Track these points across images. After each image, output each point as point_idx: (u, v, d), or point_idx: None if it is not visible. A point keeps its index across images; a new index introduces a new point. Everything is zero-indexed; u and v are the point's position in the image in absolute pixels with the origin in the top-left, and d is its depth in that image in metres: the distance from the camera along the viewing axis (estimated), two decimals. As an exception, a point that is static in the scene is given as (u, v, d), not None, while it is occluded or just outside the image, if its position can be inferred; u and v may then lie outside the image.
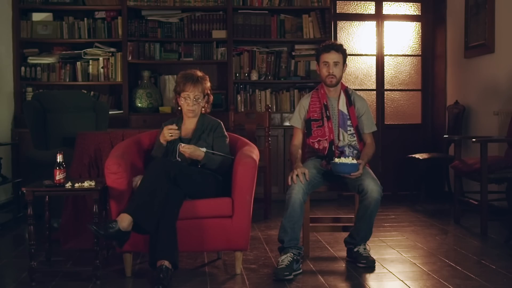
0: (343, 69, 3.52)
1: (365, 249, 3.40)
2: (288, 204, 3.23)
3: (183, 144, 3.22)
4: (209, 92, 3.45)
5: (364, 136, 3.55)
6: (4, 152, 5.00)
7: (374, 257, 3.38)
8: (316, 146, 3.49)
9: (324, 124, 3.49)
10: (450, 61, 5.96)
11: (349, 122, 3.51)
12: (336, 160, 3.31)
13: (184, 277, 3.14)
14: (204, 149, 3.26)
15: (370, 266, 3.30)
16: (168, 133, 3.23)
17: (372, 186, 3.26)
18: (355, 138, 3.50)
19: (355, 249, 3.40)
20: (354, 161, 3.28)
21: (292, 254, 3.18)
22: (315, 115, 3.52)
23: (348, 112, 3.52)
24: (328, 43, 3.54)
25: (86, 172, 3.85)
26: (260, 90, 5.92)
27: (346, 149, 3.48)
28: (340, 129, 3.50)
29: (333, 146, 3.46)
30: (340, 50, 3.50)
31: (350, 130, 3.50)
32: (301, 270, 3.23)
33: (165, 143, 3.28)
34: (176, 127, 3.25)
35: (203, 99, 3.41)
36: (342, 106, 3.52)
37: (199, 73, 3.41)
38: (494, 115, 4.86)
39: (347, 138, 3.49)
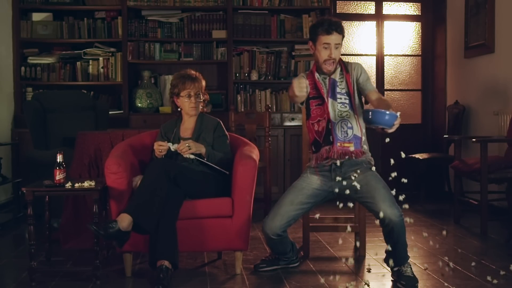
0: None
1: (407, 268, 3.02)
2: (263, 235, 3.22)
3: (182, 142, 3.21)
4: (204, 91, 3.47)
5: (369, 97, 3.10)
6: (4, 152, 5.00)
7: (413, 275, 3.00)
8: (316, 127, 3.13)
9: (324, 102, 3.12)
10: (450, 61, 5.96)
11: (339, 89, 3.11)
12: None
13: (184, 277, 3.15)
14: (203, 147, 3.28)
15: (411, 286, 2.95)
16: (158, 149, 3.22)
17: (389, 210, 2.91)
18: (347, 109, 3.09)
19: (395, 268, 3.04)
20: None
21: (277, 256, 3.31)
22: (314, 93, 3.16)
23: (341, 78, 3.14)
24: (327, 23, 3.07)
25: (86, 172, 3.85)
26: (260, 90, 5.92)
27: (337, 128, 3.06)
28: (329, 99, 3.11)
29: (330, 124, 3.08)
30: (341, 30, 3.10)
31: (340, 98, 3.10)
32: (295, 265, 3.33)
33: (160, 157, 3.28)
34: (165, 143, 3.23)
35: (202, 96, 3.42)
36: (335, 74, 3.15)
37: (194, 72, 3.44)
38: (494, 115, 4.86)
39: (337, 108, 3.09)
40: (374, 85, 6.12)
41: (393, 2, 6.28)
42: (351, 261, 3.40)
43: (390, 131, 2.78)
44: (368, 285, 2.99)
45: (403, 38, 6.32)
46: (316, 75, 3.18)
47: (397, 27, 6.30)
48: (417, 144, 6.19)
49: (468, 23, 5.43)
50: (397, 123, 2.75)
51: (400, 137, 6.15)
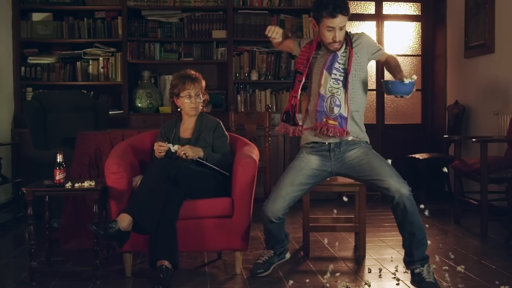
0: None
1: (429, 272, 2.88)
2: (262, 220, 3.16)
3: (179, 149, 3.20)
4: (204, 91, 3.47)
5: (381, 58, 3.15)
6: (4, 152, 5.00)
7: (435, 280, 2.87)
8: (293, 101, 3.13)
9: (302, 81, 3.11)
10: (450, 61, 5.96)
11: (337, 64, 3.02)
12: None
13: (184, 277, 3.15)
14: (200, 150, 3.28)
15: None
16: (158, 150, 3.22)
17: (398, 185, 2.84)
18: (339, 86, 3.02)
19: (417, 270, 2.89)
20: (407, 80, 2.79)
21: (273, 251, 3.27)
22: (301, 68, 3.13)
23: (344, 53, 3.05)
24: (332, 5, 2.92)
25: (86, 172, 3.85)
26: (260, 90, 5.92)
27: (325, 103, 3.00)
28: (324, 71, 3.03)
29: (296, 107, 3.10)
30: (346, 12, 2.96)
31: (335, 74, 3.02)
32: (286, 258, 3.33)
33: (159, 157, 3.27)
34: (166, 144, 3.23)
35: (202, 96, 3.42)
36: (340, 49, 3.06)
37: (194, 72, 3.44)
38: (494, 115, 4.86)
39: (329, 83, 3.03)
40: (374, 70, 6.18)
41: (393, 2, 6.28)
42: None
43: (407, 97, 2.88)
44: (369, 285, 2.99)
45: (403, 38, 6.32)
46: (314, 53, 3.12)
47: (397, 27, 6.31)
48: (417, 144, 6.19)
49: (468, 23, 5.43)
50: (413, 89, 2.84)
51: (400, 137, 6.22)
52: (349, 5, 3.00)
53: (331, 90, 3.03)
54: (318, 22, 3.02)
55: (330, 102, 3.02)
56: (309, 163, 3.12)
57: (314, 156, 3.13)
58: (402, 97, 2.88)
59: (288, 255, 3.37)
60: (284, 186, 3.07)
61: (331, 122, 3.02)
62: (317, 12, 2.99)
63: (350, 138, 3.07)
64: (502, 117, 4.73)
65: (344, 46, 3.07)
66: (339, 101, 3.02)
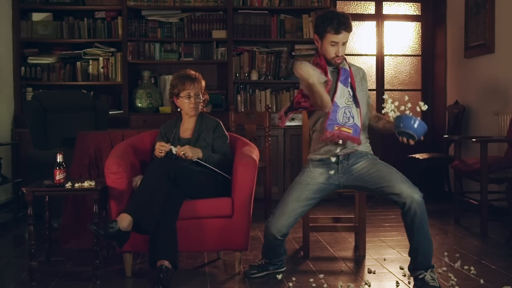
0: None
1: (433, 277, 2.85)
2: (265, 235, 3.11)
3: (179, 149, 3.20)
4: (204, 91, 3.47)
5: (371, 112, 3.20)
6: (4, 152, 5.00)
7: (439, 285, 2.85)
8: (297, 98, 3.08)
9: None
10: (450, 61, 5.96)
11: (349, 79, 3.05)
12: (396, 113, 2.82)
13: (184, 277, 3.15)
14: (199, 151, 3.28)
15: None
16: (159, 149, 3.23)
17: (410, 190, 2.82)
18: (351, 101, 3.03)
19: (420, 276, 2.86)
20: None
21: (267, 261, 3.20)
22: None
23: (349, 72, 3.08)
24: (336, 21, 2.94)
25: (86, 172, 3.85)
26: (260, 90, 5.92)
27: (339, 112, 2.99)
28: (339, 83, 3.03)
29: (288, 115, 3.10)
30: (350, 28, 2.99)
31: (349, 88, 3.05)
32: (282, 269, 3.22)
33: (159, 157, 3.28)
34: (168, 145, 3.23)
35: (202, 96, 3.42)
36: (344, 65, 3.08)
37: (194, 72, 3.44)
38: (494, 115, 4.86)
39: (346, 94, 3.02)
40: (374, 69, 6.18)
41: (393, 2, 6.28)
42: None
43: (412, 142, 2.90)
44: (369, 285, 2.99)
45: (403, 38, 6.33)
46: (329, 69, 3.07)
47: (397, 27, 6.31)
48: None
49: (468, 23, 5.43)
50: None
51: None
52: (351, 23, 3.01)
53: (347, 102, 3.03)
54: (321, 37, 3.02)
55: (345, 112, 3.01)
56: (315, 178, 3.07)
57: (320, 169, 3.08)
58: (414, 141, 2.91)
59: (284, 268, 3.25)
60: (290, 202, 3.02)
61: (344, 129, 2.99)
62: (321, 27, 3.00)
63: (359, 148, 3.07)
64: (502, 117, 4.73)
65: (347, 65, 3.10)
66: (353, 113, 3.02)
